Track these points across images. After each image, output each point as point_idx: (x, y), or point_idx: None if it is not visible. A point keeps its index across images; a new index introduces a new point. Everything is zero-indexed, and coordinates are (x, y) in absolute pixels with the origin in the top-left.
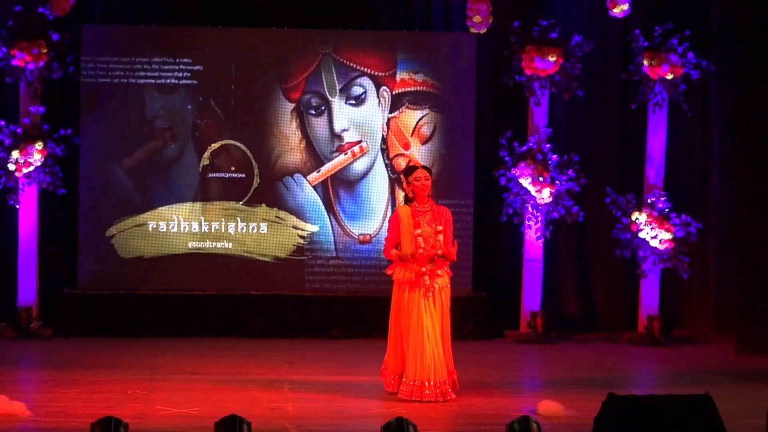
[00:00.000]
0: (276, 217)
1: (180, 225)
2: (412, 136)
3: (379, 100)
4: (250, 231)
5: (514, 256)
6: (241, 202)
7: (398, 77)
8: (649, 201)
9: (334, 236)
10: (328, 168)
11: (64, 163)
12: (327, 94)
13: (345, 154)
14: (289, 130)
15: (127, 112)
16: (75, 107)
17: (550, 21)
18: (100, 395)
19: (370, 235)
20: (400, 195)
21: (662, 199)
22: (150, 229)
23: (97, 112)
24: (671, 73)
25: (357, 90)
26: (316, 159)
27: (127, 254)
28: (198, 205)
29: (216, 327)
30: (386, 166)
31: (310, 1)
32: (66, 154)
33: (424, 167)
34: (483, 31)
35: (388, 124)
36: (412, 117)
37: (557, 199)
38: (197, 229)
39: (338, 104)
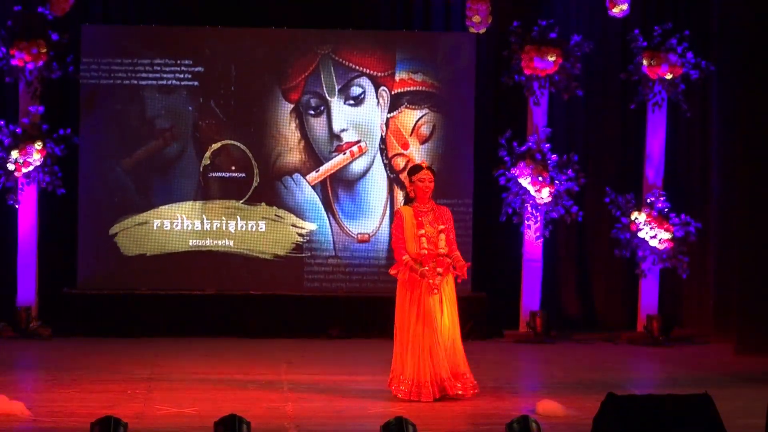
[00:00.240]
0: (275, 215)
1: (182, 223)
2: (410, 135)
3: (378, 100)
4: (250, 229)
5: (514, 255)
6: (241, 201)
7: (397, 77)
8: (648, 201)
9: (332, 235)
10: (326, 168)
11: (63, 162)
12: (326, 94)
13: (344, 154)
14: (288, 131)
15: (127, 112)
16: (74, 107)
17: (550, 21)
18: (100, 395)
19: (368, 234)
20: (399, 195)
21: (661, 198)
22: (151, 227)
23: (96, 112)
24: (670, 73)
25: (356, 90)
26: (314, 159)
27: (130, 252)
28: (199, 203)
29: (215, 327)
30: (385, 165)
31: (310, 1)
32: (65, 153)
33: (428, 168)
34: (482, 31)
35: (387, 123)
36: (411, 117)
37: (556, 198)
38: (198, 228)
39: (337, 104)
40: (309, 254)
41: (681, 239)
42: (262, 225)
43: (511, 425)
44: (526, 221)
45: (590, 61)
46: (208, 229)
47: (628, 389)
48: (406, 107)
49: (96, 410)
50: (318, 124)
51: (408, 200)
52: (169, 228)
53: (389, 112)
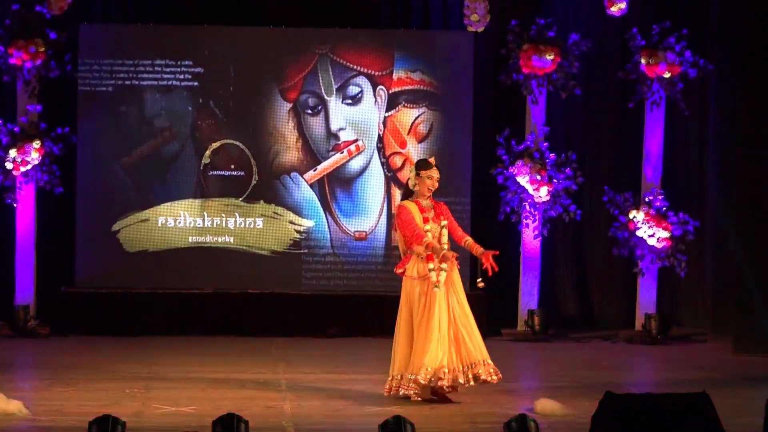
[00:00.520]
0: (273, 212)
1: (183, 221)
2: (408, 134)
3: (376, 99)
4: (248, 226)
5: (512, 254)
6: (240, 199)
7: (395, 76)
8: (646, 199)
9: (330, 233)
10: (324, 166)
11: (61, 161)
12: (324, 93)
13: (341, 152)
14: (287, 130)
15: (126, 112)
16: (72, 106)
17: (548, 20)
18: (98, 394)
19: (366, 232)
20: (396, 193)
21: (660, 197)
22: (152, 224)
23: (94, 111)
24: (669, 72)
25: (353, 89)
26: (312, 158)
27: (132, 248)
28: (199, 201)
29: (213, 325)
30: (382, 164)
31: (309, 0)
32: (63, 152)
33: (436, 166)
34: (480, 29)
35: (384, 122)
36: (408, 115)
37: (555, 197)
38: (198, 224)
39: (335, 104)
40: (306, 251)
41: (679, 238)
42: (261, 222)
43: (509, 424)
44: (524, 220)
45: (588, 60)
46: (208, 226)
47: (627, 388)
48: (403, 106)
49: (94, 409)
50: (316, 123)
51: (407, 194)
52: (170, 225)
53: (387, 110)
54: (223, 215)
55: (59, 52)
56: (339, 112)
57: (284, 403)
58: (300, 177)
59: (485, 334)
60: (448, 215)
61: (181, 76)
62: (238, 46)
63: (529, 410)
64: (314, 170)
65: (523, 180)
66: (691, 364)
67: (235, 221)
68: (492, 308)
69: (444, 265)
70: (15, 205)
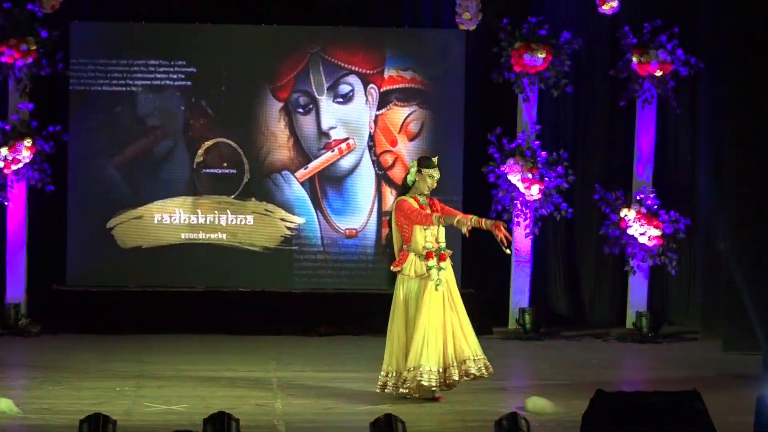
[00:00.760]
0: (265, 210)
1: (176, 218)
2: (399, 133)
3: (367, 98)
4: (240, 223)
5: (503, 252)
6: (232, 196)
7: (386, 74)
8: (637, 198)
9: (320, 231)
10: (315, 165)
11: (52, 160)
12: (315, 92)
13: (332, 151)
14: (278, 128)
15: (118, 111)
16: (64, 104)
17: (539, 18)
18: (88, 392)
19: (356, 230)
20: (387, 191)
21: (651, 195)
22: (146, 221)
23: (86, 110)
24: (660, 70)
25: (345, 88)
26: (303, 156)
27: (126, 245)
28: (192, 198)
29: (204, 324)
30: (373, 162)
31: None
32: (55, 151)
33: (437, 166)
34: (472, 28)
35: (375, 121)
36: (399, 114)
37: (546, 195)
38: (191, 221)
39: (326, 102)
40: (297, 247)
41: (670, 236)
42: (253, 219)
43: (500, 422)
44: (515, 218)
45: (580, 59)
46: (201, 222)
47: (618, 386)
48: (395, 104)
49: (85, 407)
50: (307, 122)
51: (404, 189)
52: (164, 222)
53: (378, 109)
54: (216, 212)
55: (51, 51)
56: (330, 111)
57: (275, 402)
58: (291, 175)
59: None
60: (443, 207)
61: (174, 76)
62: (230, 45)
63: (520, 408)
64: (305, 168)
65: (514, 178)
66: (681, 362)
67: (227, 218)
68: (483, 307)
69: (443, 264)
70: (6, 203)
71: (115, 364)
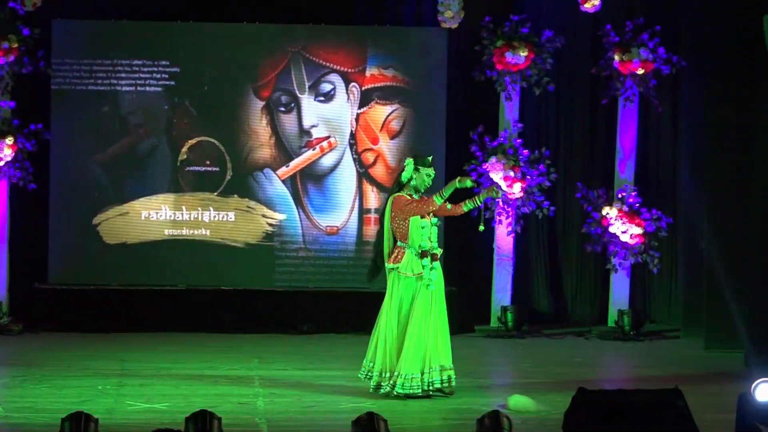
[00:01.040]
0: (247, 206)
1: (165, 214)
2: (380, 131)
3: (348, 96)
4: (222, 219)
5: (485, 250)
6: (215, 193)
7: (368, 73)
8: (619, 196)
9: (302, 228)
10: (296, 163)
11: (34, 158)
12: (296, 91)
13: (313, 149)
14: (260, 127)
15: (102, 110)
16: (45, 102)
17: (522, 16)
18: (70, 390)
19: (337, 227)
20: (368, 189)
21: (633, 194)
22: (130, 218)
23: (68, 108)
24: (642, 69)
25: (326, 86)
26: (285, 154)
27: (111, 241)
28: (176, 195)
29: (186, 322)
30: (354, 160)
31: None
32: (36, 149)
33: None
34: (454, 26)
35: (357, 119)
36: (381, 112)
37: (528, 194)
38: (176, 218)
39: (307, 101)
40: (279, 244)
41: (652, 234)
42: (234, 215)
43: (482, 420)
44: (497, 216)
45: (562, 57)
46: (184, 219)
47: (599, 384)
48: (376, 102)
49: (67, 406)
50: (288, 121)
51: (398, 187)
52: (148, 219)
53: (359, 107)
54: (199, 209)
55: (32, 49)
56: (311, 110)
57: (257, 400)
58: (273, 173)
59: (458, 331)
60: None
61: (158, 76)
62: (212, 44)
63: (502, 406)
64: (287, 166)
65: (496, 176)
66: (663, 360)
67: (210, 215)
68: (465, 304)
69: (435, 263)
70: None
71: (97, 363)
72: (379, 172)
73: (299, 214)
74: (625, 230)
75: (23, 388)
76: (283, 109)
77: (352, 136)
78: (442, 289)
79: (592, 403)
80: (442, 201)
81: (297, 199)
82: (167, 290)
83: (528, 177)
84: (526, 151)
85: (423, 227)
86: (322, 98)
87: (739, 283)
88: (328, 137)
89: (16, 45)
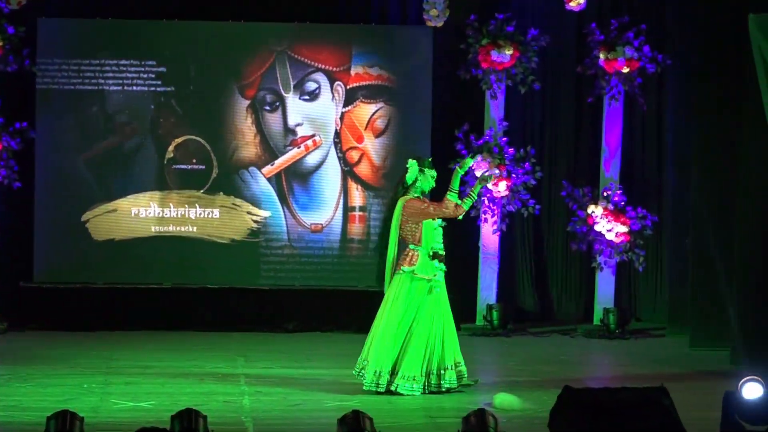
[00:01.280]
0: (232, 204)
1: (149, 211)
2: (365, 129)
3: (333, 95)
4: (208, 216)
5: (471, 249)
6: (201, 191)
7: (353, 71)
8: (605, 194)
9: (287, 226)
10: (281, 161)
11: (19, 156)
12: (281, 90)
13: (298, 147)
14: (245, 126)
15: (88, 109)
16: (31, 101)
17: (507, 14)
18: (56, 389)
19: (322, 224)
20: (353, 187)
21: (618, 192)
22: (118, 215)
23: (53, 107)
24: (627, 67)
25: (311, 85)
26: (270, 153)
27: (100, 237)
28: (163, 193)
29: (172, 320)
30: (339, 159)
31: None
32: (21, 147)
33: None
34: (439, 24)
35: (341, 118)
36: (366, 111)
37: (514, 192)
38: (164, 214)
39: (292, 100)
40: (264, 241)
41: (637, 233)
42: (219, 212)
43: (468, 419)
44: (483, 215)
45: (547, 55)
46: (171, 216)
47: (585, 382)
48: (361, 101)
49: (52, 404)
50: (273, 120)
51: (404, 190)
52: (136, 216)
53: (344, 106)
54: (186, 206)
55: (17, 47)
56: (296, 108)
57: (243, 398)
58: (258, 171)
59: None
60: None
61: (145, 75)
62: (197, 43)
63: (488, 404)
64: (272, 165)
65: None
66: (649, 358)
67: (197, 212)
68: (450, 302)
69: (441, 265)
70: None
71: (83, 361)
72: (363, 170)
73: (284, 212)
74: (610, 228)
75: (8, 387)
76: (268, 108)
77: (337, 134)
78: (445, 289)
79: (578, 401)
80: (458, 196)
81: (282, 197)
82: (153, 288)
83: (513, 175)
84: (511, 150)
85: (435, 229)
86: (307, 97)
87: (725, 281)
88: (313, 136)
89: (0, 43)
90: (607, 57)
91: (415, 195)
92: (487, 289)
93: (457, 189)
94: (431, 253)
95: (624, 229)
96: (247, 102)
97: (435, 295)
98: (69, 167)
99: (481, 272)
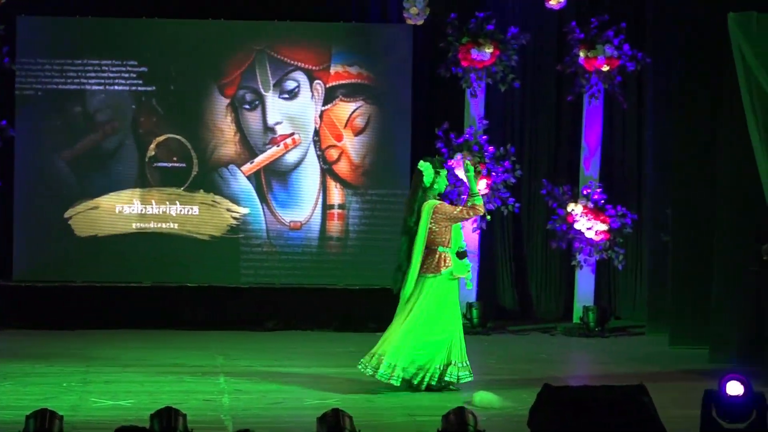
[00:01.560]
0: (212, 201)
1: (131, 208)
2: (344, 128)
3: (313, 94)
4: (188, 213)
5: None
6: (181, 189)
7: (332, 70)
8: (584, 192)
9: (266, 223)
10: (261, 159)
11: None
12: (261, 89)
13: (277, 146)
14: (225, 124)
15: (66, 107)
16: (10, 100)
17: (487, 13)
18: (35, 388)
19: (300, 222)
20: (332, 185)
21: (598, 190)
22: (100, 212)
23: (33, 106)
24: (607, 65)
25: (290, 84)
26: (249, 151)
27: (82, 234)
28: (144, 190)
29: (151, 319)
30: (318, 157)
31: None
32: (0, 146)
33: None
34: (419, 22)
35: (321, 116)
36: (345, 109)
37: (493, 190)
38: (145, 211)
39: (272, 98)
40: (243, 239)
41: (617, 231)
42: (199, 209)
43: (448, 417)
44: None
45: (527, 53)
46: (152, 213)
47: (565, 380)
48: (341, 100)
49: (31, 403)
50: (253, 118)
51: (423, 193)
52: (118, 213)
53: (324, 104)
54: (167, 203)
55: None
56: (276, 107)
57: (222, 397)
58: (237, 169)
59: None
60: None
61: (126, 75)
62: (178, 43)
63: (468, 403)
64: (251, 163)
65: (461, 173)
66: (628, 356)
67: (177, 209)
68: None
69: (467, 260)
70: None
71: (62, 360)
72: (342, 168)
73: (263, 209)
74: (590, 227)
75: None
76: (247, 106)
77: (316, 133)
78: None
79: (557, 399)
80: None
81: (261, 195)
82: (132, 287)
83: (493, 173)
84: (491, 148)
85: (460, 228)
86: (286, 96)
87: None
88: (292, 134)
89: None
90: (587, 55)
91: (434, 196)
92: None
93: (477, 190)
94: (458, 252)
95: (603, 227)
96: (227, 101)
97: (458, 291)
98: (49, 166)
99: None
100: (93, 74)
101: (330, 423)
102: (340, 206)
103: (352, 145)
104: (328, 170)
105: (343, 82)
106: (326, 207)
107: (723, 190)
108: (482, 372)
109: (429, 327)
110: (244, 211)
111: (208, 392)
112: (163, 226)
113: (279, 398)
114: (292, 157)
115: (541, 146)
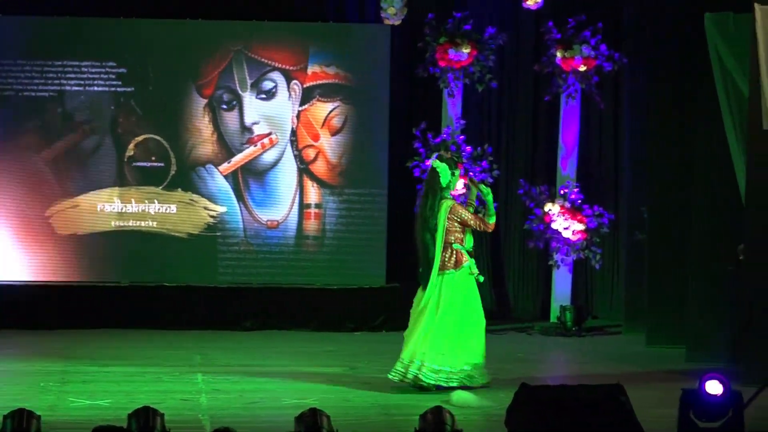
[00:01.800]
0: (189, 199)
1: (110, 207)
2: (321, 127)
3: (290, 94)
4: (167, 212)
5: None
6: (160, 188)
7: (309, 70)
8: (561, 192)
9: (243, 222)
10: (238, 159)
11: None
12: (238, 89)
13: (255, 145)
14: (202, 124)
15: (45, 108)
16: None
17: (464, 13)
18: (12, 387)
19: (277, 221)
20: (308, 184)
21: (575, 190)
22: (79, 211)
23: (11, 107)
24: (584, 65)
25: (268, 84)
26: (227, 151)
27: (62, 233)
28: (123, 189)
29: (129, 318)
30: (295, 157)
31: None
32: None
33: None
34: (397, 22)
35: (298, 116)
36: (322, 109)
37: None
38: (125, 209)
39: (249, 99)
40: (221, 238)
41: (594, 230)
42: (176, 207)
43: (425, 416)
44: None
45: (504, 54)
46: (131, 211)
47: (542, 380)
48: (318, 100)
49: (8, 403)
50: (230, 118)
51: (442, 193)
52: (97, 211)
53: (301, 104)
54: (146, 202)
55: None
56: (253, 107)
57: (200, 396)
58: (215, 168)
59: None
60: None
61: (105, 77)
62: (156, 43)
63: (445, 402)
64: (228, 162)
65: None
66: (605, 355)
67: (155, 207)
68: (408, 301)
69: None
70: None
71: (39, 359)
72: (319, 168)
73: (240, 208)
74: (567, 226)
75: None
76: (225, 106)
77: (293, 132)
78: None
79: (535, 398)
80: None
81: (238, 194)
82: (110, 286)
83: (471, 173)
84: (468, 148)
85: (450, 230)
86: (263, 96)
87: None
88: (269, 134)
89: None
90: (564, 55)
91: (450, 196)
92: None
93: (494, 211)
94: (468, 251)
95: (581, 227)
96: (205, 101)
97: (476, 289)
98: (29, 166)
99: None
100: (72, 75)
101: (307, 422)
102: (317, 205)
103: (329, 144)
104: (305, 170)
105: (321, 82)
106: (303, 206)
107: (699, 189)
108: None
109: (460, 326)
110: (221, 209)
111: (185, 392)
112: (142, 224)
113: (257, 398)
114: (269, 157)
115: (518, 146)
